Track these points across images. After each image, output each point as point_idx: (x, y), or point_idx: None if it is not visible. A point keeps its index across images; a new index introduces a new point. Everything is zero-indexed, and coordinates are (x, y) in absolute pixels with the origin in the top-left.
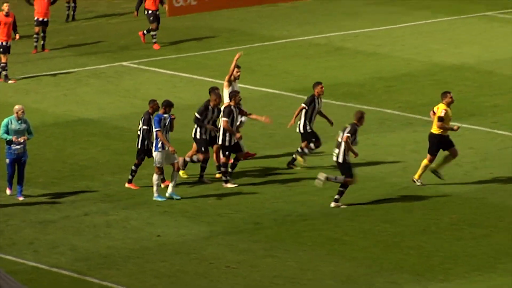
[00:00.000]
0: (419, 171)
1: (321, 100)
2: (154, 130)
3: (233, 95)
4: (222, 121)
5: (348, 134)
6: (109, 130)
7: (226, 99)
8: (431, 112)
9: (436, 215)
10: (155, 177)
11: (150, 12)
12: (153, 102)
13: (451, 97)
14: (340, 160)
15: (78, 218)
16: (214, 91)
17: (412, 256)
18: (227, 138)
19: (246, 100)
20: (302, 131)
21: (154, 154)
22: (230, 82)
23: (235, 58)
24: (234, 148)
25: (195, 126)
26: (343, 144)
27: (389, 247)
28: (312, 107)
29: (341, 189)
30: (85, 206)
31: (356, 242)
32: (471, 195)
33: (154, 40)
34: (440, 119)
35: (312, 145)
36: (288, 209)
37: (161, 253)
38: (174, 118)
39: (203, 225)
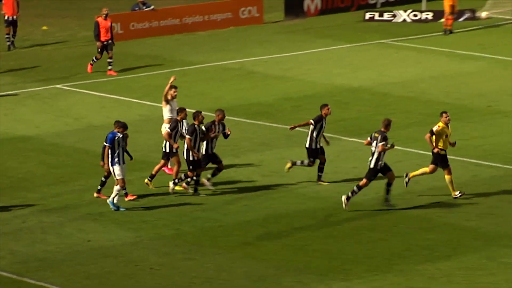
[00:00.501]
0: (450, 187)
1: (326, 121)
2: (106, 145)
3: (196, 115)
4: (186, 139)
5: (383, 143)
6: (45, 146)
7: (165, 116)
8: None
9: (338, 221)
10: (117, 187)
11: (105, 42)
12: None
13: (447, 117)
14: (372, 166)
15: (17, 225)
16: (218, 110)
17: (317, 258)
18: (191, 154)
19: None
20: (307, 146)
21: (112, 168)
22: (167, 101)
23: (170, 81)
24: (197, 164)
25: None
26: (376, 152)
27: (296, 250)
28: (320, 126)
29: (355, 189)
30: (23, 215)
31: (267, 245)
32: (370, 203)
33: (110, 67)
34: (431, 131)
35: (306, 162)
36: (206, 217)
37: (91, 256)
38: (127, 137)
39: (129, 231)
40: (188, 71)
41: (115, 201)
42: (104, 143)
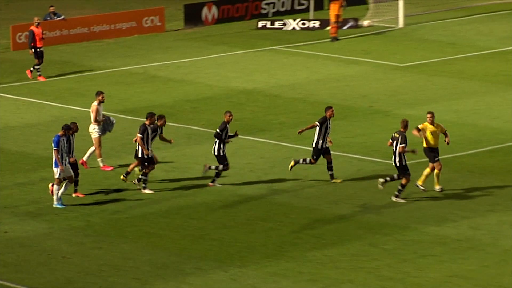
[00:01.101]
0: (435, 180)
1: (330, 122)
2: (53, 148)
3: (149, 116)
4: (137, 137)
5: (403, 145)
6: None
7: (93, 119)
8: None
9: (234, 212)
10: (55, 187)
11: (38, 50)
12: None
13: (430, 117)
14: (398, 164)
15: None
16: (226, 112)
17: (215, 246)
18: (140, 151)
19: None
20: (314, 146)
21: (55, 169)
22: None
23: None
24: (149, 160)
25: (215, 142)
26: (397, 152)
27: (196, 239)
28: (325, 127)
29: (400, 187)
30: None
31: (169, 235)
32: (262, 196)
33: (38, 73)
34: (417, 128)
35: (308, 160)
36: (113, 209)
37: (8, 246)
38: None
39: (43, 223)
40: (96, 76)
41: (59, 195)
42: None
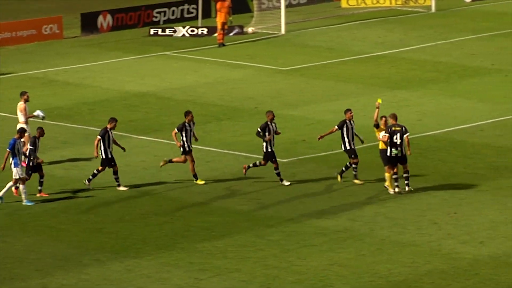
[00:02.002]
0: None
1: (353, 122)
2: (8, 150)
3: (111, 120)
4: (96, 139)
5: (408, 134)
6: None
7: (20, 119)
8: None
9: (129, 207)
10: (21, 187)
11: None
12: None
13: (385, 121)
14: (402, 154)
15: None
16: (267, 112)
17: (112, 239)
18: (103, 151)
19: None
20: (343, 149)
21: (14, 170)
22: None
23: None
24: (110, 161)
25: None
26: (405, 141)
27: (93, 232)
28: (346, 129)
29: (407, 175)
30: None
31: (69, 229)
32: (157, 191)
33: None
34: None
35: (349, 163)
36: (16, 205)
37: None
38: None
39: None
40: None
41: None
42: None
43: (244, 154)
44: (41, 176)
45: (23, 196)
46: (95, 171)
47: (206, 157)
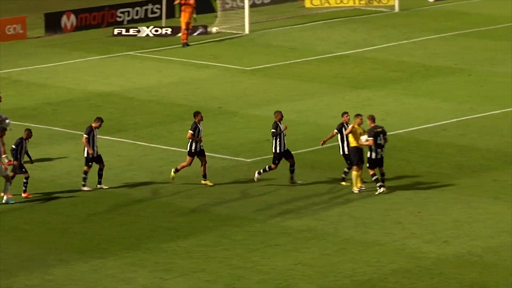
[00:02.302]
0: (353, 181)
1: (348, 126)
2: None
3: (97, 119)
4: (83, 137)
5: (386, 136)
6: None
7: None
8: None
9: (94, 207)
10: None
11: None
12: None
13: (361, 119)
14: (381, 156)
15: None
16: (276, 112)
17: (77, 239)
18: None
19: None
20: (341, 153)
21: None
22: None
23: None
24: (95, 159)
25: (273, 141)
26: (383, 144)
27: (58, 232)
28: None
29: (382, 177)
30: None
31: (33, 229)
32: (121, 191)
33: None
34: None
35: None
36: None
37: None
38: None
39: None
40: None
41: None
42: None
43: (208, 154)
44: (26, 177)
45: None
46: (83, 175)
47: (171, 157)
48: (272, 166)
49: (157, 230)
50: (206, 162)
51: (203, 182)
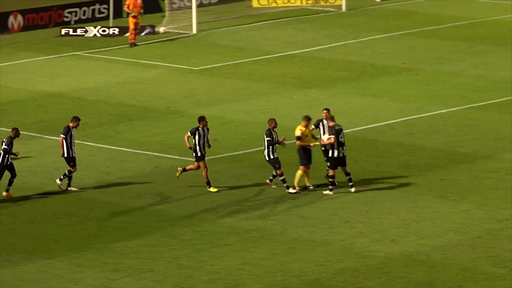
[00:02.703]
0: (305, 179)
1: (328, 121)
2: None
3: (74, 119)
4: (60, 137)
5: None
6: None
7: None
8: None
9: (41, 207)
10: None
11: None
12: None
13: (308, 120)
14: (343, 155)
15: None
16: (270, 120)
17: (24, 240)
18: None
19: None
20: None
21: None
22: None
23: None
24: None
25: (265, 149)
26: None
27: (6, 233)
28: (323, 127)
29: (331, 180)
30: None
31: None
32: (68, 192)
33: None
34: (297, 138)
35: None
36: None
37: None
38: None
39: None
40: None
41: None
42: None
43: (156, 154)
44: (12, 176)
45: None
46: (67, 172)
47: (118, 157)
48: (278, 171)
49: (105, 230)
50: (207, 169)
51: (209, 189)
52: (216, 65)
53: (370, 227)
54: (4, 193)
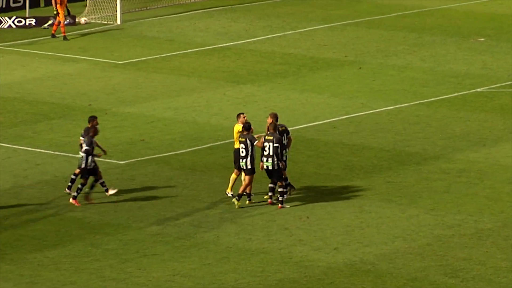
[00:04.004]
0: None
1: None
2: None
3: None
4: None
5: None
6: None
7: None
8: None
9: None
10: None
11: None
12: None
13: (244, 117)
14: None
15: None
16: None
17: None
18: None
19: None
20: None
21: None
22: None
23: None
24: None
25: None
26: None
27: None
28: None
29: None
30: None
31: None
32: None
33: None
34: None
35: None
36: None
37: None
38: None
39: None
40: None
41: None
42: None
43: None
44: (96, 180)
45: None
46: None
47: (36, 159)
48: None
49: (21, 239)
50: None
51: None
52: (142, 58)
53: (311, 234)
54: (71, 200)
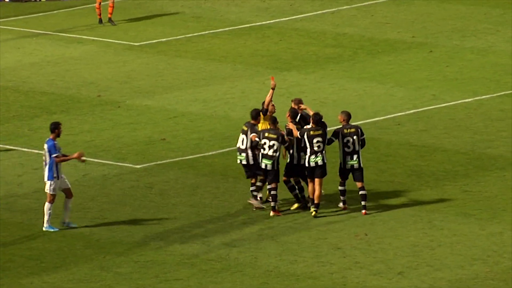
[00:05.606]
0: None
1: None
2: (52, 156)
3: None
4: None
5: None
6: None
7: None
8: None
9: None
10: (47, 205)
11: None
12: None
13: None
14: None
15: None
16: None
17: None
18: None
19: None
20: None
21: (48, 182)
22: None
23: None
24: None
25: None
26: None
27: None
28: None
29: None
30: None
31: None
32: None
33: None
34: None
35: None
36: None
37: None
38: None
39: None
40: None
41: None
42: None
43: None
44: (261, 180)
45: (45, 218)
46: None
47: (33, 163)
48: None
49: (16, 260)
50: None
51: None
52: (163, 39)
53: (369, 256)
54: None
